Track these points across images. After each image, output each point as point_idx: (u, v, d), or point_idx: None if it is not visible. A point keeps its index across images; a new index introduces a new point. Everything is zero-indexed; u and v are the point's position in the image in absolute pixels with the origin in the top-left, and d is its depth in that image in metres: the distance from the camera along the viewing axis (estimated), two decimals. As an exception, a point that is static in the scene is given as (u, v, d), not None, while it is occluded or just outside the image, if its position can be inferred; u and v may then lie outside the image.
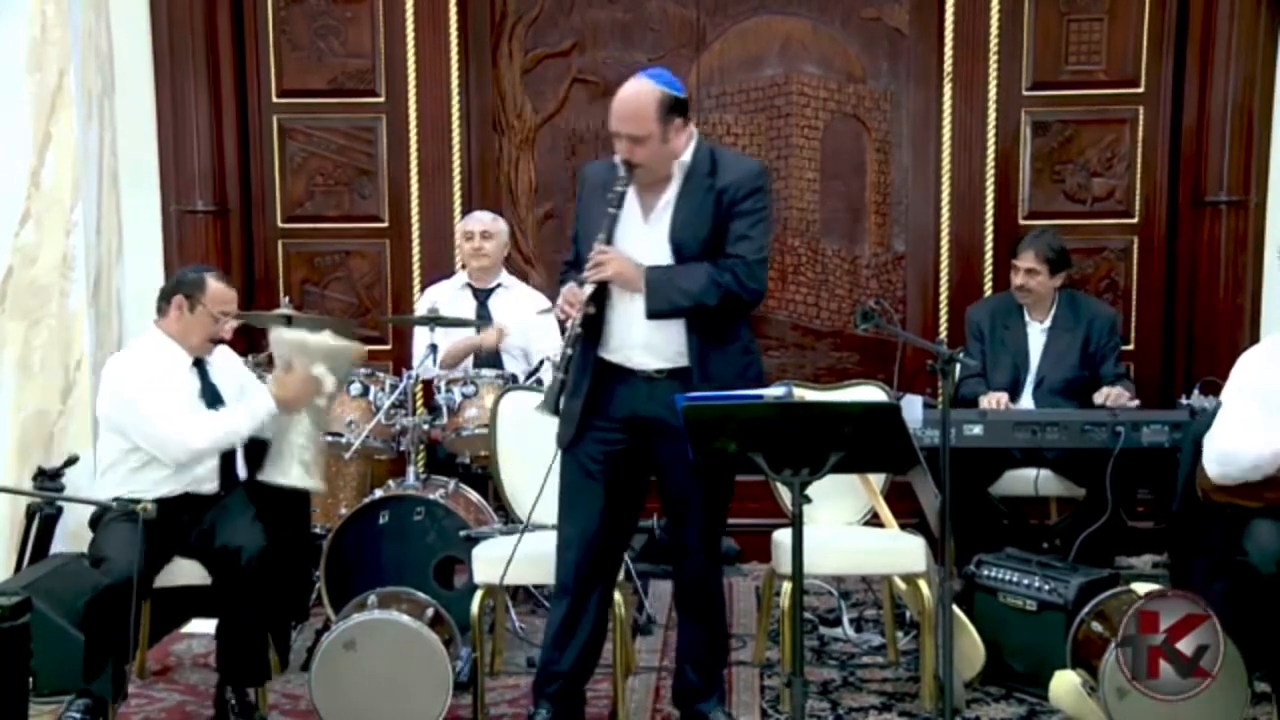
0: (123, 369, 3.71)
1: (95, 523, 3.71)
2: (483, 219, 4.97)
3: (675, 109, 3.20)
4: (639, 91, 3.20)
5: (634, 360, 3.27)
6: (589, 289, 3.17)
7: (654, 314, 3.19)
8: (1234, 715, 3.27)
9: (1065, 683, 3.49)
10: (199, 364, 3.80)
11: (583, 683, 3.47)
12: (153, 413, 3.61)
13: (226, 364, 3.93)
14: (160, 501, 3.50)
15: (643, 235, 3.26)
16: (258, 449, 3.76)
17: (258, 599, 3.59)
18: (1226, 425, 3.50)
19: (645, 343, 3.26)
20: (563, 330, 3.34)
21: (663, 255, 3.24)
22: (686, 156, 3.26)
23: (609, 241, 3.20)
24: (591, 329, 3.24)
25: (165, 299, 3.77)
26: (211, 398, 3.78)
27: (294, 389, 3.61)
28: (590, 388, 3.29)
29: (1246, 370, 3.56)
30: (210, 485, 3.75)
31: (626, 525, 3.47)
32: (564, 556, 3.37)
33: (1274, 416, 3.42)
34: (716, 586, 3.50)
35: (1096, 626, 3.46)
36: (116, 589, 3.34)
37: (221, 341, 3.84)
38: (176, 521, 3.63)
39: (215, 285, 3.76)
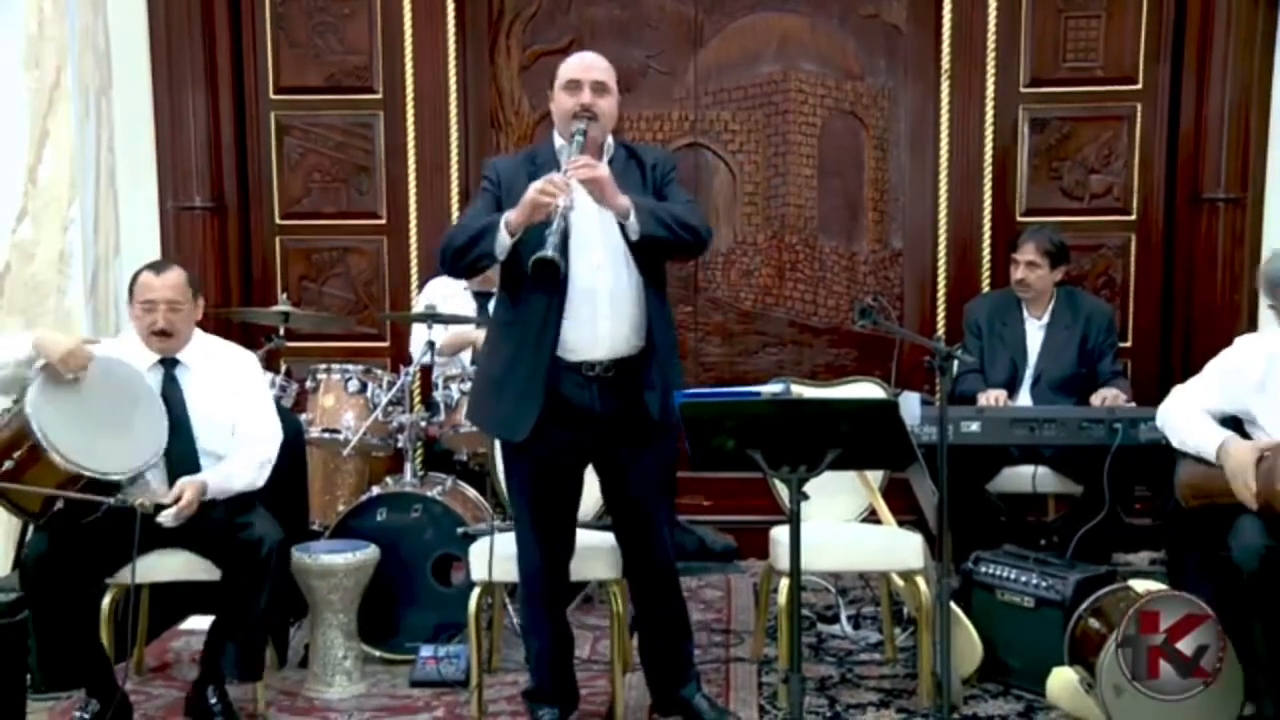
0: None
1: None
2: None
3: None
4: (599, 56, 3.29)
5: (596, 353, 3.19)
6: (573, 177, 3.04)
7: (645, 235, 3.09)
8: (1230, 713, 3.27)
9: (1062, 679, 3.50)
10: (170, 367, 3.58)
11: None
12: None
13: (216, 378, 3.63)
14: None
15: (597, 212, 3.15)
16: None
17: (274, 591, 3.50)
18: (1184, 390, 3.57)
19: (610, 335, 3.19)
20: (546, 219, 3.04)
21: (618, 235, 3.16)
22: (610, 139, 3.30)
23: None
24: (551, 330, 3.14)
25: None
26: (175, 408, 3.51)
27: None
28: (546, 389, 3.17)
29: (1233, 352, 3.57)
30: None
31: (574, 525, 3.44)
32: (533, 562, 3.34)
33: (1224, 400, 3.49)
34: (676, 570, 3.49)
35: (1094, 623, 3.46)
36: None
37: (164, 335, 3.53)
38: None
39: (143, 277, 3.57)
